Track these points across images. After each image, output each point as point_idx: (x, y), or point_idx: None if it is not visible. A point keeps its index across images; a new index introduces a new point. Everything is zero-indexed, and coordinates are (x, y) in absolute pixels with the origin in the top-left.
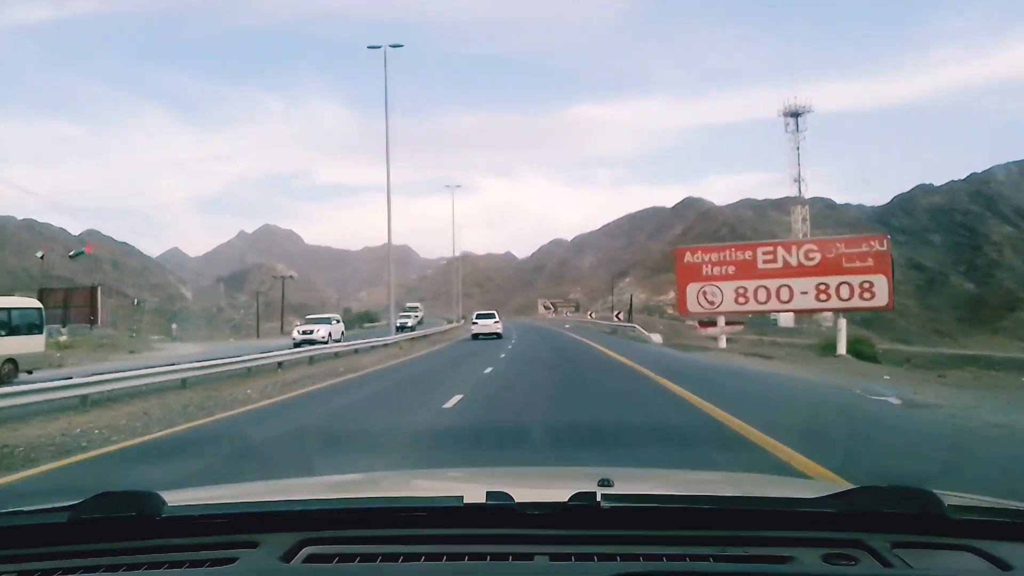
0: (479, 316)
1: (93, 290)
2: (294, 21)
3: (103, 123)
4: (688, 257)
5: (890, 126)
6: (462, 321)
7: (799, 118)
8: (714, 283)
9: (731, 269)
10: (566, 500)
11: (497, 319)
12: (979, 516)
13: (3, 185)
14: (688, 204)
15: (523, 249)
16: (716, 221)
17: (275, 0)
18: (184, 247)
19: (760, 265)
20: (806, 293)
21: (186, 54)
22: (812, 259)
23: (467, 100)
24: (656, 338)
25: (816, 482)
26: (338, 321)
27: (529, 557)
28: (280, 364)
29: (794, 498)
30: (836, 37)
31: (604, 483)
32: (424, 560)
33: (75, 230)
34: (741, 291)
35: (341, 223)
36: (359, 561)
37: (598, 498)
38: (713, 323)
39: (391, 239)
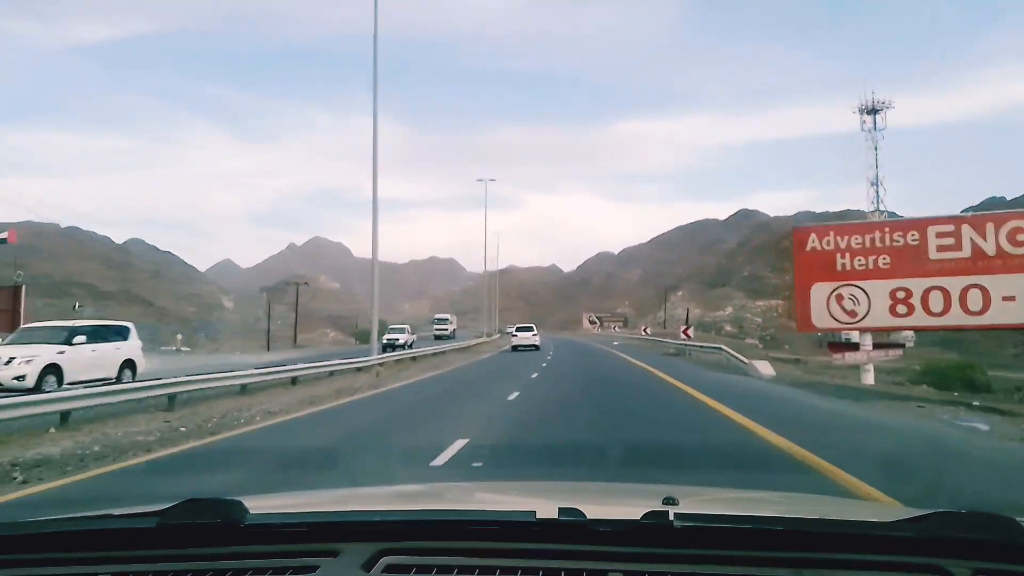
0: (519, 329)
1: (16, 290)
2: (343, 38)
3: (156, 137)
4: (813, 242)
5: (949, 141)
6: (497, 335)
7: (877, 115)
8: (856, 283)
9: (885, 260)
10: (638, 518)
11: (535, 332)
12: None
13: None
14: (742, 216)
15: (568, 263)
16: (776, 233)
17: (324, 18)
18: (236, 259)
19: (933, 254)
20: (1013, 299)
21: (239, 71)
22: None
23: (514, 115)
24: (764, 369)
25: (889, 506)
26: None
27: (603, 574)
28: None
29: (871, 522)
30: (893, 53)
31: (669, 501)
32: (499, 574)
33: (120, 239)
34: (901, 294)
35: (389, 237)
36: (436, 573)
37: (670, 516)
38: (853, 345)
39: (376, 250)
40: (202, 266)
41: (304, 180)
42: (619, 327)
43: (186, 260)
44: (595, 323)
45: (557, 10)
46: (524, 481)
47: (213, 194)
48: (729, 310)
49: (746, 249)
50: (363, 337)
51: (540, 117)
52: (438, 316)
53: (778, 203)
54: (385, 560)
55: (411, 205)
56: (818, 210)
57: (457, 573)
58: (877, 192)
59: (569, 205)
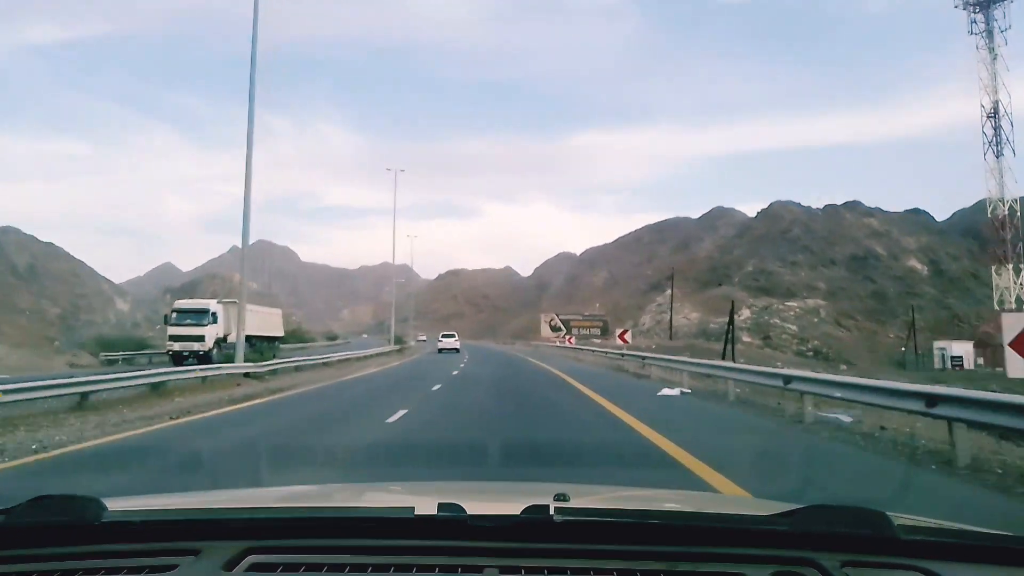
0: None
1: None
2: (303, 45)
3: (109, 141)
4: None
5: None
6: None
7: (991, 8)
8: None
9: None
10: (518, 513)
11: (456, 338)
12: (928, 537)
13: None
14: (718, 215)
15: (526, 268)
16: (783, 221)
17: (284, 24)
18: (177, 262)
19: None
20: None
21: (194, 75)
22: None
23: (474, 125)
24: None
25: (767, 502)
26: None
27: (479, 570)
28: None
29: (745, 515)
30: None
31: (560, 497)
32: (371, 571)
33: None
34: None
35: (342, 243)
36: (304, 570)
37: (551, 511)
38: None
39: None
40: (143, 269)
41: (257, 187)
42: (596, 336)
43: (74, 254)
44: (559, 330)
45: (520, 22)
46: (415, 482)
47: (162, 198)
48: (746, 314)
49: (745, 241)
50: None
51: (500, 127)
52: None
53: (753, 203)
54: (251, 559)
55: (369, 212)
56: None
57: (327, 570)
58: (998, 136)
59: (528, 215)
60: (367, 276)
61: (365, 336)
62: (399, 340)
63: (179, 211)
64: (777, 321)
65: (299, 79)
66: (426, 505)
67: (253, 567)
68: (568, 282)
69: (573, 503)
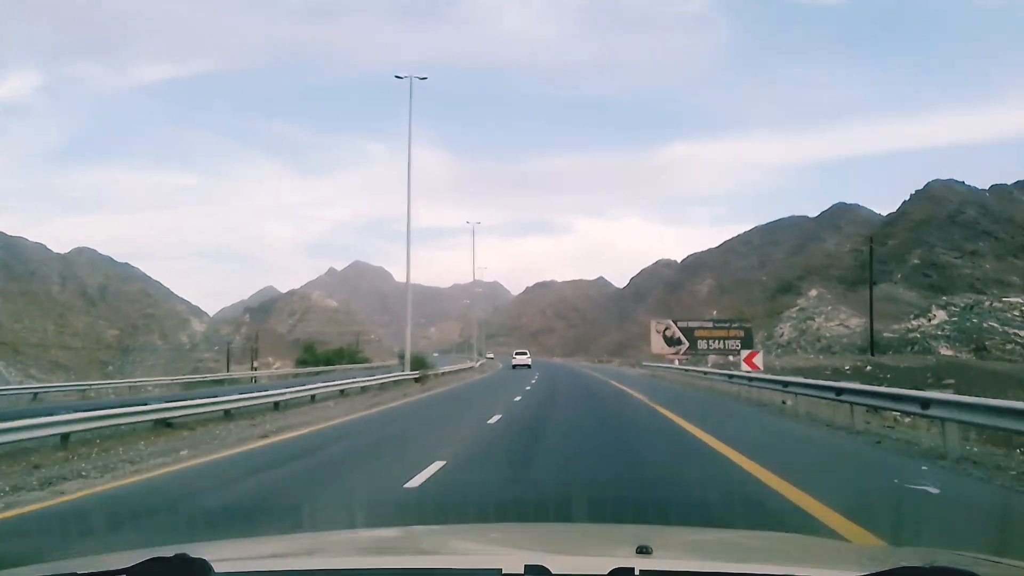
0: (517, 353)
1: None
2: (394, 69)
3: (214, 171)
4: None
5: None
6: (479, 362)
7: None
8: None
9: None
10: (605, 574)
11: (528, 355)
12: None
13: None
14: (840, 212)
15: (620, 279)
16: (947, 204)
17: (375, 52)
18: (278, 285)
19: None
20: None
21: (293, 106)
22: None
23: (562, 142)
24: None
25: (859, 550)
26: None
27: None
28: None
29: None
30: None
31: (643, 551)
32: None
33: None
34: None
35: (436, 262)
36: None
37: (636, 573)
38: None
39: None
40: (247, 292)
41: (354, 211)
42: (733, 350)
43: (151, 275)
44: (680, 343)
45: (607, 37)
46: (497, 524)
47: (264, 224)
48: (940, 316)
49: (900, 230)
50: (319, 361)
51: (589, 143)
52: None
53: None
54: None
55: (461, 232)
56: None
57: None
58: None
59: (619, 228)
60: (458, 294)
61: (436, 355)
62: (420, 363)
63: (279, 236)
64: (994, 324)
65: (391, 103)
66: (511, 562)
67: None
68: (669, 291)
69: (658, 558)
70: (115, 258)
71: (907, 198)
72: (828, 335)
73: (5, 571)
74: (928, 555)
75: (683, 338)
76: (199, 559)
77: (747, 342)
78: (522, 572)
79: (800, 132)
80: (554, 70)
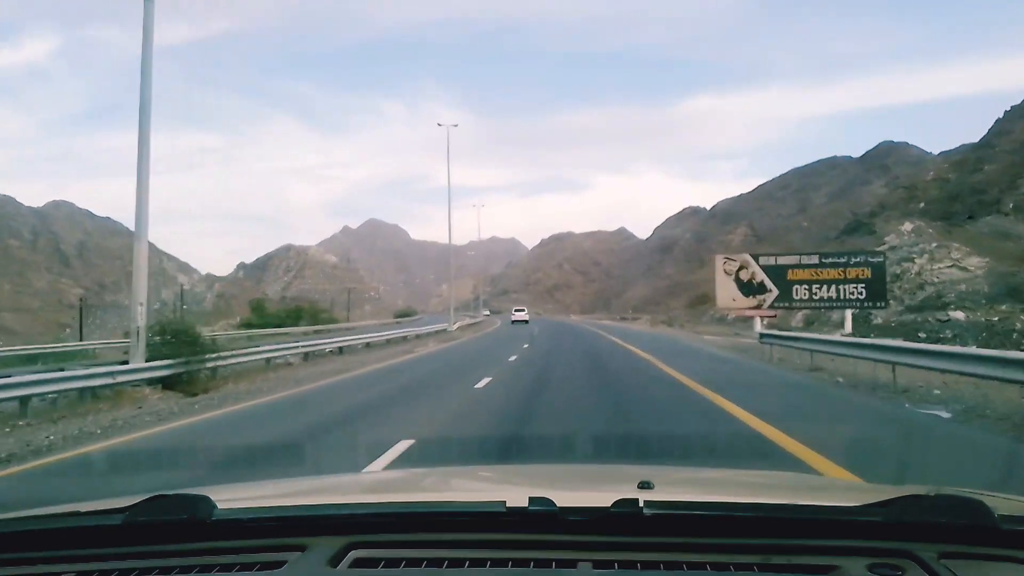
0: (516, 310)
1: None
2: (412, 28)
3: (236, 132)
4: None
5: None
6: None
7: None
8: None
9: None
10: (608, 506)
11: (526, 311)
12: None
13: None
14: (886, 150)
15: (643, 230)
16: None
17: (394, 8)
18: (297, 243)
19: None
20: None
21: (313, 65)
22: None
23: (581, 97)
24: None
25: (861, 485)
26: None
27: (572, 564)
28: None
29: (839, 507)
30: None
31: (644, 485)
32: (468, 565)
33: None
34: None
35: (454, 221)
36: (405, 566)
37: (640, 504)
38: None
39: None
40: (261, 251)
41: (372, 171)
42: (852, 304)
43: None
44: (763, 290)
45: None
46: (501, 466)
47: (286, 184)
48: None
49: (1000, 151)
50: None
51: (608, 98)
52: None
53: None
54: (353, 554)
55: (479, 190)
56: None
57: (426, 565)
58: None
59: (639, 184)
60: (476, 251)
61: (432, 314)
62: (404, 314)
63: (299, 196)
64: None
65: (409, 62)
66: (516, 496)
67: (357, 562)
68: (698, 241)
69: (661, 492)
70: (95, 212)
71: (1000, 116)
72: (937, 280)
73: (9, 513)
74: (934, 491)
75: (769, 283)
76: (202, 496)
77: (876, 288)
78: (526, 505)
79: (827, 82)
80: (573, 24)
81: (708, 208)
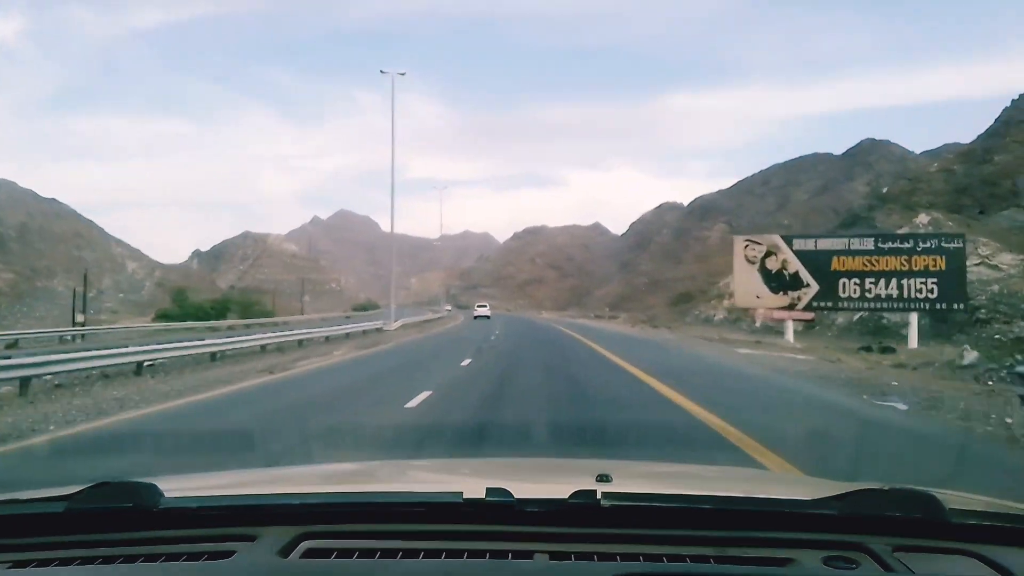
0: (478, 305)
1: None
2: (388, 17)
3: (207, 119)
4: None
5: None
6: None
7: None
8: None
9: None
10: (566, 497)
11: (487, 307)
12: (981, 520)
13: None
14: (868, 147)
15: (619, 226)
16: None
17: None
18: (260, 232)
19: None
20: None
21: (287, 53)
22: None
23: (556, 93)
24: None
25: (816, 481)
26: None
27: (529, 555)
28: None
29: (795, 499)
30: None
31: (603, 479)
32: (423, 556)
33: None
34: None
35: (425, 214)
36: (357, 557)
37: (598, 496)
38: None
39: None
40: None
41: (342, 159)
42: (920, 306)
43: (82, 214)
44: (797, 284)
45: None
46: (458, 459)
47: (255, 173)
48: None
49: (1011, 141)
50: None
51: (583, 94)
52: None
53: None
54: (305, 544)
55: (452, 183)
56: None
57: (380, 556)
58: None
59: (616, 181)
60: (446, 246)
61: (395, 307)
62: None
63: (268, 186)
64: None
65: (386, 52)
66: (473, 488)
67: (308, 553)
68: (675, 237)
69: (618, 484)
70: (39, 192)
71: (1008, 104)
72: (971, 279)
73: None
74: (887, 485)
75: (805, 274)
76: (149, 483)
77: (951, 283)
78: (483, 496)
79: (804, 82)
80: (551, 19)
81: (686, 204)
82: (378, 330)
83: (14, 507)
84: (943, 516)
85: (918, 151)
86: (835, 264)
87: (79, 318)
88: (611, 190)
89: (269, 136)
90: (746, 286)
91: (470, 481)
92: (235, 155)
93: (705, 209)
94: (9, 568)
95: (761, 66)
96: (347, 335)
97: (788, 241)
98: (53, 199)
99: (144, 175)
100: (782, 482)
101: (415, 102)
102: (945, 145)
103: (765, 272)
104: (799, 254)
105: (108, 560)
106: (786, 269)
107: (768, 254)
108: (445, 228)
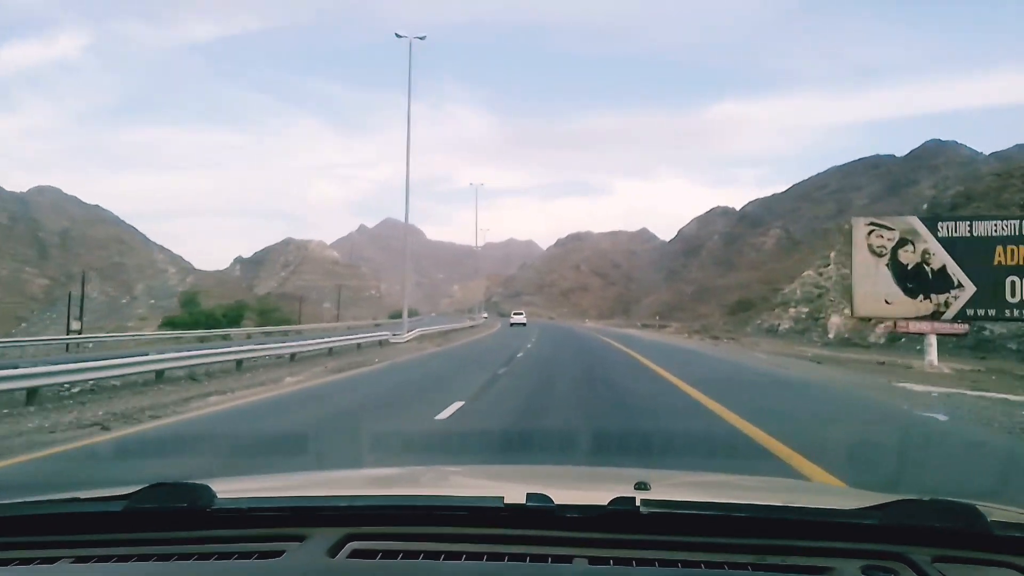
0: (515, 313)
1: None
2: (437, 29)
3: (259, 130)
4: None
5: None
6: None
7: None
8: None
9: None
10: (605, 504)
11: (524, 315)
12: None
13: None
14: (932, 150)
15: (667, 232)
16: None
17: (419, 9)
18: (295, 237)
19: None
20: None
21: (337, 65)
22: None
23: (602, 101)
24: None
25: (856, 491)
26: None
27: (568, 560)
28: None
29: (835, 509)
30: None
31: (641, 487)
32: (465, 559)
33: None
34: None
35: (471, 222)
36: (402, 558)
37: (637, 503)
38: None
39: None
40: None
41: (391, 170)
42: None
43: (123, 219)
44: (945, 285)
45: None
46: (500, 465)
47: (306, 182)
48: None
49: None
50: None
51: (632, 102)
52: None
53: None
54: (352, 545)
55: (499, 193)
56: None
57: (423, 557)
58: None
59: (662, 189)
60: (491, 253)
61: (434, 314)
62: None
63: (321, 195)
64: None
65: (434, 63)
66: (514, 493)
67: (355, 553)
68: (726, 244)
69: (657, 492)
70: (82, 199)
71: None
72: None
73: (10, 499)
74: (928, 496)
75: (957, 270)
76: (203, 485)
77: None
78: (524, 501)
79: (856, 88)
80: (598, 27)
81: (737, 209)
82: (380, 343)
83: (76, 505)
84: (984, 528)
85: (987, 152)
86: (999, 256)
87: (74, 325)
88: (657, 198)
89: (318, 145)
90: (869, 285)
91: (511, 487)
92: (285, 165)
93: (758, 214)
94: (72, 563)
95: (810, 74)
96: (330, 351)
97: (931, 226)
98: (97, 205)
99: (196, 184)
100: (822, 492)
101: (461, 111)
102: (1017, 145)
103: (897, 267)
104: (945, 243)
105: (163, 558)
106: (928, 264)
107: (902, 243)
108: (490, 236)
